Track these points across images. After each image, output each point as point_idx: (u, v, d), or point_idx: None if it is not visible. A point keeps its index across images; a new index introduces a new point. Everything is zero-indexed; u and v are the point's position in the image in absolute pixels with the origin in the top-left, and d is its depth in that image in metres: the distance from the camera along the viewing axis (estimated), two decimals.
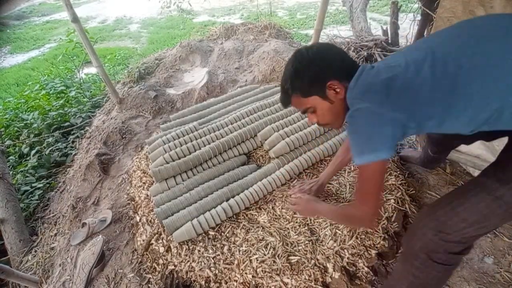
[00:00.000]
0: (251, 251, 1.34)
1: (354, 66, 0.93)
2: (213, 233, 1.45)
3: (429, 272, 0.91)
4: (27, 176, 2.36)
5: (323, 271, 1.27)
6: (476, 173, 1.69)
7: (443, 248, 0.86)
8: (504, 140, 0.90)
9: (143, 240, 1.51)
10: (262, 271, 1.27)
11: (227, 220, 1.50)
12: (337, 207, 1.27)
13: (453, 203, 0.86)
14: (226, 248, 1.39)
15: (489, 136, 1.05)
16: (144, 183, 1.82)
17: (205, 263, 1.34)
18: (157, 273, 1.40)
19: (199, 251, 1.39)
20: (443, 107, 0.79)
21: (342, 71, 0.92)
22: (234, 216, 1.53)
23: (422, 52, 0.82)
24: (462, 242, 0.85)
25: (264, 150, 1.88)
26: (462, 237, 0.84)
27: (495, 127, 0.78)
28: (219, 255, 1.36)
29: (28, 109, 3.17)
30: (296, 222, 1.45)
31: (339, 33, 3.65)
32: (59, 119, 2.91)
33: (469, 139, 1.22)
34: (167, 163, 1.73)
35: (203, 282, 1.31)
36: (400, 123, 0.81)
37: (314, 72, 0.92)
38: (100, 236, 1.57)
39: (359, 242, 1.35)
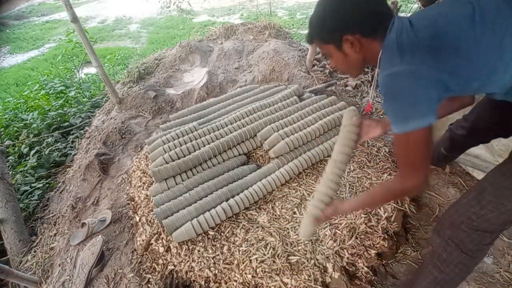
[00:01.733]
0: (250, 251, 1.34)
1: (385, 22, 0.83)
2: (212, 233, 1.45)
3: (455, 265, 0.97)
4: (26, 176, 2.36)
5: (322, 271, 1.27)
6: (475, 172, 1.69)
7: (470, 237, 0.92)
8: (503, 140, 0.93)
9: (143, 240, 1.51)
10: (261, 271, 1.27)
11: (226, 220, 1.50)
12: (365, 193, 1.13)
13: (474, 191, 0.94)
14: (225, 248, 1.39)
15: (508, 132, 1.06)
16: (143, 183, 1.82)
17: (204, 263, 1.34)
18: (156, 273, 1.40)
19: (198, 251, 1.39)
20: (488, 69, 0.77)
21: (367, 27, 0.84)
22: (234, 216, 1.53)
23: (466, 6, 0.77)
24: (489, 232, 0.92)
25: (264, 150, 1.88)
26: (487, 224, 0.90)
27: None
28: (218, 255, 1.36)
29: (28, 109, 3.17)
30: (296, 222, 1.45)
31: None
32: (58, 119, 2.90)
33: (488, 137, 1.26)
34: (167, 163, 1.73)
35: (202, 282, 1.31)
36: (444, 85, 0.77)
37: (333, 23, 0.86)
38: (100, 236, 1.57)
39: (359, 242, 1.35)
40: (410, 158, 0.86)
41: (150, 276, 1.39)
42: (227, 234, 1.45)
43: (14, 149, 2.68)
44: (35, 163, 2.44)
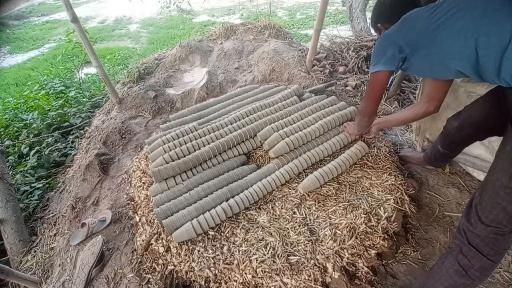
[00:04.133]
0: (250, 251, 1.34)
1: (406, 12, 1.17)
2: (212, 233, 1.45)
3: (476, 269, 0.97)
4: (26, 176, 2.36)
5: (322, 271, 1.27)
6: (475, 173, 1.69)
7: (483, 233, 0.94)
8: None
9: (143, 240, 1.51)
10: (261, 271, 1.27)
11: (226, 220, 1.50)
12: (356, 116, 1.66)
13: (482, 186, 0.99)
14: (225, 248, 1.39)
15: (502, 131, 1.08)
16: (143, 183, 1.82)
17: (204, 263, 1.34)
18: (156, 273, 1.40)
19: (198, 251, 1.39)
20: (427, 39, 1.05)
21: (392, 18, 1.21)
22: (234, 216, 1.53)
23: None
24: (499, 227, 0.92)
25: (264, 150, 1.88)
26: (496, 217, 0.92)
27: (481, 72, 0.97)
28: (218, 255, 1.36)
29: (28, 109, 3.17)
30: (296, 222, 1.45)
31: (339, 33, 3.66)
32: (58, 119, 2.91)
33: (481, 134, 1.31)
34: (167, 163, 1.73)
35: (202, 282, 1.31)
36: (398, 46, 1.13)
37: (374, 16, 1.38)
38: (100, 236, 1.57)
39: (359, 242, 1.35)
40: (366, 92, 1.34)
41: (150, 276, 1.39)
42: (227, 234, 1.45)
43: (14, 149, 2.69)
44: (35, 163, 2.44)
